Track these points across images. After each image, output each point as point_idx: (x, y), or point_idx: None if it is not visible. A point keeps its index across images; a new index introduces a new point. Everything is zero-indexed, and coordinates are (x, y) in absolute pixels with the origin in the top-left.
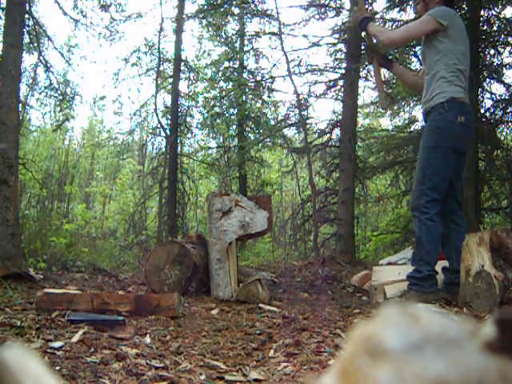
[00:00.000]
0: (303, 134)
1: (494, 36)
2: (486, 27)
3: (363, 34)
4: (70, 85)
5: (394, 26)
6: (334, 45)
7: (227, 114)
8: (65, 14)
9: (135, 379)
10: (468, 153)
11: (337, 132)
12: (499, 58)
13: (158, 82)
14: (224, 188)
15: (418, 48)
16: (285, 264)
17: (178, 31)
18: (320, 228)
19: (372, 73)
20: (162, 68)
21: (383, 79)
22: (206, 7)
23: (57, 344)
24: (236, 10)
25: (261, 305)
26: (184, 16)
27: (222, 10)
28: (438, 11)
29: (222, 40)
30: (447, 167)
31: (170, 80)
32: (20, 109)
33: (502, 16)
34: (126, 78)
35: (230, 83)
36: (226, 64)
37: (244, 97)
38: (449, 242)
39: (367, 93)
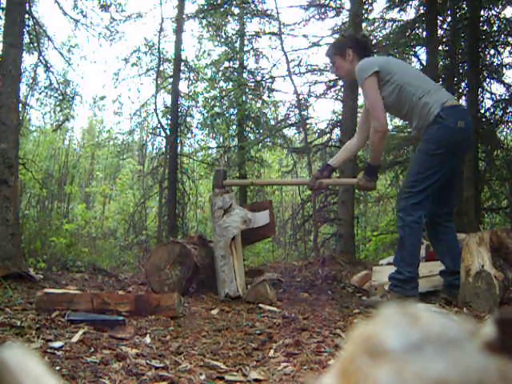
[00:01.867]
0: (303, 134)
1: (493, 36)
2: (486, 27)
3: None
4: (70, 85)
5: (393, 26)
6: None
7: (227, 114)
8: (65, 14)
9: (135, 379)
10: (467, 154)
11: (337, 132)
12: (499, 58)
13: (158, 82)
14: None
15: (417, 48)
16: (285, 264)
17: (178, 31)
18: (320, 228)
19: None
20: (162, 68)
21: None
22: (206, 7)
23: (57, 344)
24: (236, 10)
25: (261, 305)
26: (184, 16)
27: (222, 10)
28: (363, 68)
29: (222, 40)
30: (440, 174)
31: (170, 80)
32: (20, 109)
33: (502, 16)
34: (126, 78)
35: (230, 83)
36: (226, 64)
37: (244, 97)
38: (439, 242)
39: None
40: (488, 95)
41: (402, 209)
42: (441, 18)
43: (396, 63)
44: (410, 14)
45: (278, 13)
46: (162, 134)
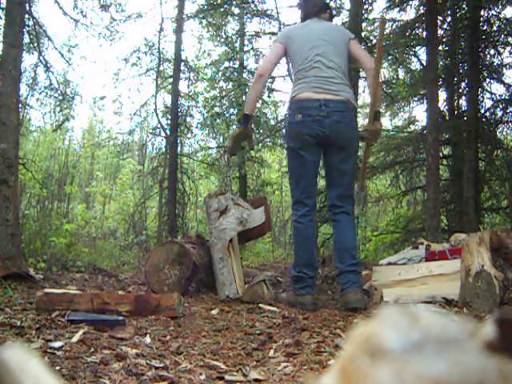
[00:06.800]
0: None
1: (493, 36)
2: (486, 27)
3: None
4: (69, 85)
5: (393, 26)
6: None
7: (227, 114)
8: (65, 14)
9: (135, 379)
10: (339, 148)
11: None
12: (499, 58)
13: (158, 82)
14: (224, 188)
15: (417, 48)
16: (285, 264)
17: (178, 31)
18: (320, 228)
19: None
20: (161, 68)
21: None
22: (206, 7)
23: (57, 344)
24: (236, 10)
25: (261, 305)
26: (184, 16)
27: (222, 10)
28: (279, 35)
29: (222, 40)
30: (300, 169)
31: (170, 80)
32: (20, 109)
33: (502, 16)
34: (126, 78)
35: (230, 83)
36: (226, 64)
37: (244, 97)
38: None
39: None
40: (488, 95)
41: (292, 209)
42: (441, 18)
43: (300, 38)
44: (410, 14)
45: (278, 13)
46: (162, 133)
